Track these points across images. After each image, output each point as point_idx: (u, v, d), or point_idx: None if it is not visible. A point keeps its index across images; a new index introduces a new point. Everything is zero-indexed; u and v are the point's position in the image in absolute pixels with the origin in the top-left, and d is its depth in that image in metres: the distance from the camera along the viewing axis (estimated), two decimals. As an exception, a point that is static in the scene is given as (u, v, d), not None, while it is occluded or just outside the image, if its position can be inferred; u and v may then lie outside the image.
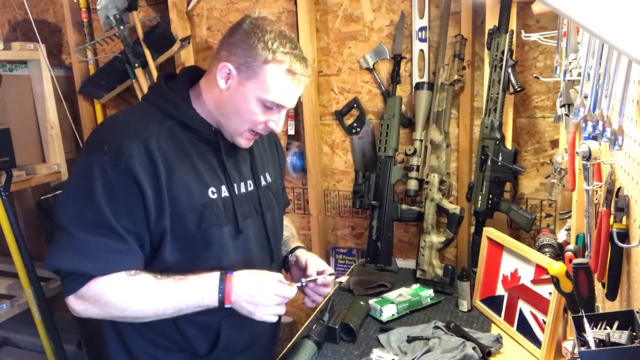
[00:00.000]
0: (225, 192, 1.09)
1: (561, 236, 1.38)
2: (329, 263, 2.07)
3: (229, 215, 1.09)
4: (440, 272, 1.66)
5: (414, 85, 1.80)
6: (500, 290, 1.42)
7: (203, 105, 1.09)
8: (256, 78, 1.01)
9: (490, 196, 1.58)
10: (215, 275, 1.02)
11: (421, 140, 1.76)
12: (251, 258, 1.14)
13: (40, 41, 2.24)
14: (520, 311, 1.33)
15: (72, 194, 1.00)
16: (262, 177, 1.20)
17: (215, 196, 1.07)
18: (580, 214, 1.19)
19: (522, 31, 1.48)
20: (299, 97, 1.13)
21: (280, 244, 1.30)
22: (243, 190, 1.14)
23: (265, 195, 1.20)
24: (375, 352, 1.26)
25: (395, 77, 1.82)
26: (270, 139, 1.29)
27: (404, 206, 1.79)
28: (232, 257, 1.09)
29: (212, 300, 1.01)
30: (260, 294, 1.01)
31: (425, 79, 1.78)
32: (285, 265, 1.30)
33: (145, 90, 1.94)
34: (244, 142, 1.10)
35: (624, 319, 0.72)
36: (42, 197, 2.14)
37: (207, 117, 1.08)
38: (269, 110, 1.05)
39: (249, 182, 1.16)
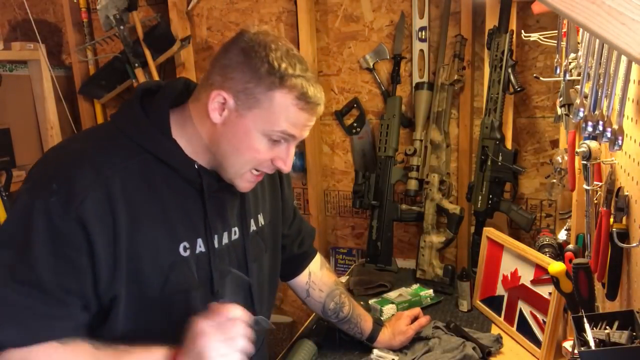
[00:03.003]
0: (201, 247, 0.89)
1: (561, 236, 1.38)
2: (329, 263, 2.07)
3: (203, 276, 0.90)
4: (440, 272, 1.66)
5: (414, 85, 1.79)
6: (500, 290, 1.42)
7: (188, 134, 0.89)
8: (259, 108, 0.83)
9: (490, 196, 1.58)
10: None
11: (421, 140, 1.76)
12: None
13: (40, 41, 2.23)
14: (520, 311, 1.33)
15: (6, 241, 0.79)
16: (252, 220, 1.02)
17: (187, 253, 0.87)
18: (580, 214, 1.19)
19: (522, 31, 1.48)
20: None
21: (267, 302, 1.09)
22: (225, 240, 0.95)
23: (253, 243, 1.01)
24: (375, 352, 1.26)
25: (395, 77, 1.82)
26: None
27: (404, 206, 1.79)
28: None
29: None
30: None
31: (425, 79, 1.78)
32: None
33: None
34: (245, 185, 0.91)
35: (624, 319, 0.72)
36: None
37: (192, 150, 0.89)
38: (275, 145, 0.87)
39: (235, 229, 0.97)
